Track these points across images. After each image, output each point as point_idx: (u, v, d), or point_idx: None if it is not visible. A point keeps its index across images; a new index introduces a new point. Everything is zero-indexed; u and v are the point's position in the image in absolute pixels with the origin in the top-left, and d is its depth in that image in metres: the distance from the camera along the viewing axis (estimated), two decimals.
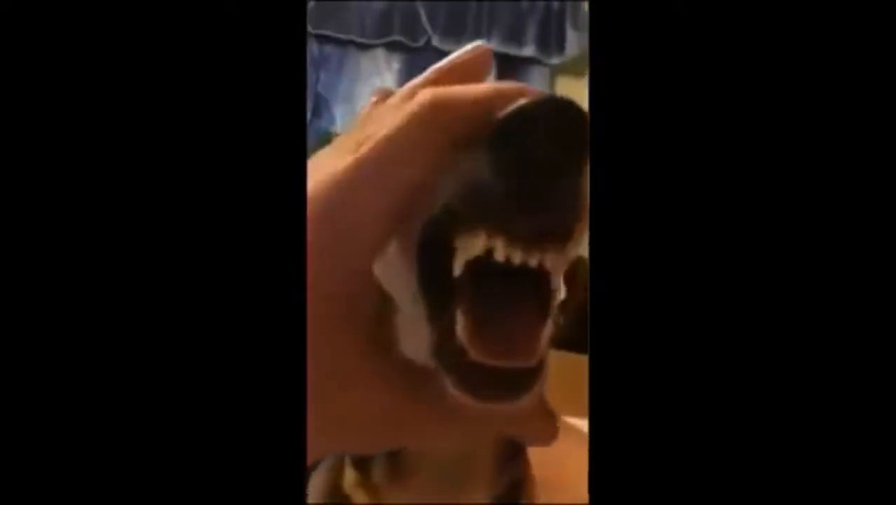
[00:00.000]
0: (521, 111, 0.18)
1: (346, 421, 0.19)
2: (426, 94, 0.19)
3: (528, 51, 1.77)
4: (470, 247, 0.19)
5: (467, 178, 0.19)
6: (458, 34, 1.75)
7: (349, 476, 0.30)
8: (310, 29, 1.78)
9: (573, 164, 0.18)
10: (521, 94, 0.19)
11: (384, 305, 0.21)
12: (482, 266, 0.19)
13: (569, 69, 1.77)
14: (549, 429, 0.21)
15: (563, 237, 0.20)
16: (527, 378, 0.19)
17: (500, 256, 0.19)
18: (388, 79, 1.73)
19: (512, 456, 0.30)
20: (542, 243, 0.19)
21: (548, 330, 0.20)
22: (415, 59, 1.75)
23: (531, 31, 1.77)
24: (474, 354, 0.19)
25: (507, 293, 0.20)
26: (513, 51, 1.77)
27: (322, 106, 1.75)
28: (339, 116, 1.75)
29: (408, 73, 1.72)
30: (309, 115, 1.71)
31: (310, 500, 0.30)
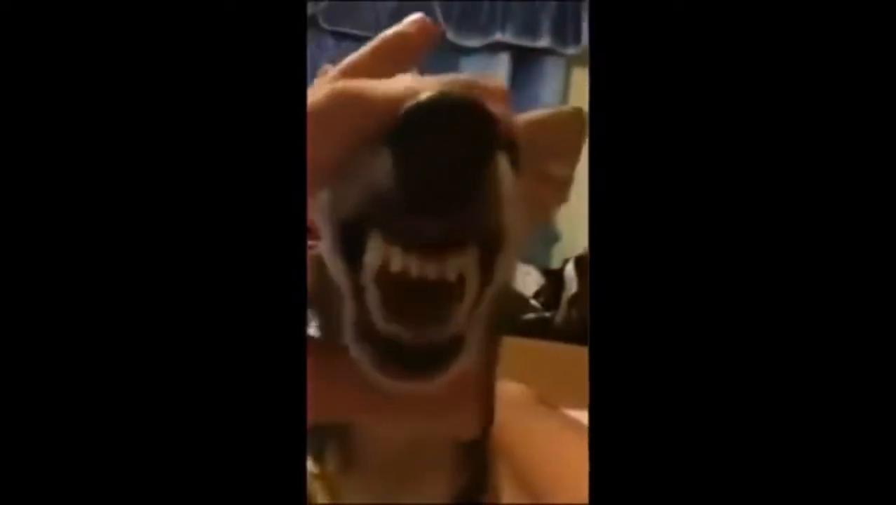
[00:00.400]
0: (416, 107, 0.17)
1: None
2: (337, 86, 0.19)
3: (544, 42, 1.76)
4: (371, 257, 0.19)
5: (367, 179, 0.18)
6: (472, 28, 1.74)
7: (308, 469, 0.29)
8: (327, 26, 1.79)
9: (475, 165, 0.17)
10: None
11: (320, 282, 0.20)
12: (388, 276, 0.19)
13: (585, 60, 1.75)
14: (468, 421, 0.21)
15: (463, 244, 0.19)
16: (440, 356, 0.19)
17: (396, 266, 0.18)
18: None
19: (474, 444, 0.28)
20: (442, 252, 0.18)
21: (464, 310, 0.19)
22: (429, 53, 1.74)
23: (546, 21, 1.75)
24: (384, 327, 0.18)
25: (418, 297, 0.19)
26: (527, 42, 1.76)
27: None
28: None
29: (422, 67, 1.72)
30: None
31: None
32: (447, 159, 0.17)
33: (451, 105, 0.17)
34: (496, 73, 1.74)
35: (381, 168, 0.17)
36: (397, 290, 0.19)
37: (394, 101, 0.18)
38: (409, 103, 0.17)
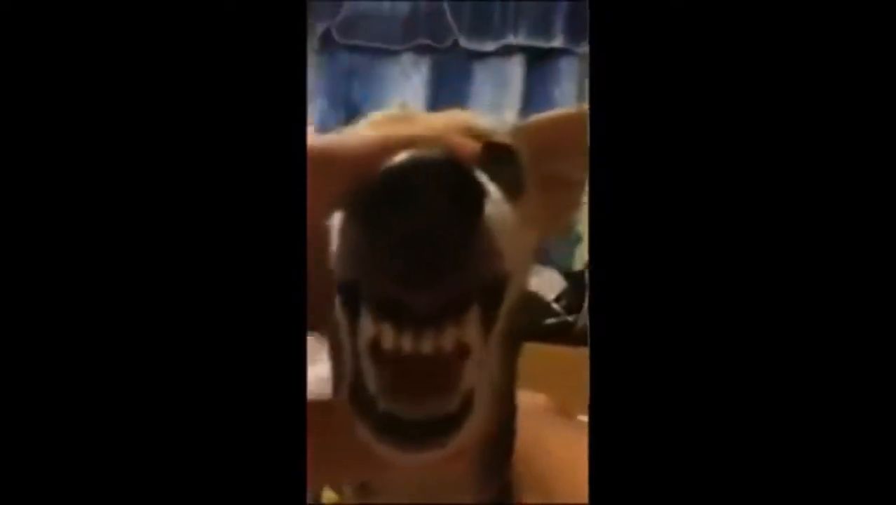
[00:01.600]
0: (387, 176, 0.15)
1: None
2: (314, 142, 0.17)
3: (557, 42, 1.75)
4: (364, 330, 0.17)
5: (351, 249, 0.17)
6: (484, 31, 1.74)
7: (327, 496, 0.29)
8: (340, 40, 1.81)
9: (462, 227, 0.16)
10: (408, 145, 0.17)
11: None
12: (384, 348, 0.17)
13: None
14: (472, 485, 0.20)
15: (464, 309, 0.17)
16: (448, 425, 0.17)
17: (387, 343, 0.17)
18: (416, 81, 1.74)
19: (500, 461, 0.28)
20: (438, 322, 0.17)
21: (472, 366, 0.18)
22: (442, 61, 1.76)
23: (559, 21, 1.75)
24: (384, 404, 0.17)
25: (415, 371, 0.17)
26: (541, 43, 1.75)
27: (355, 114, 1.79)
28: None
29: (436, 75, 1.73)
30: (343, 122, 1.74)
31: None
32: (431, 226, 0.16)
33: (424, 169, 0.15)
34: (510, 75, 1.74)
35: (360, 238, 0.16)
36: (392, 365, 0.17)
37: (365, 160, 0.17)
38: (379, 172, 0.16)
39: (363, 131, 0.18)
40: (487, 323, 0.18)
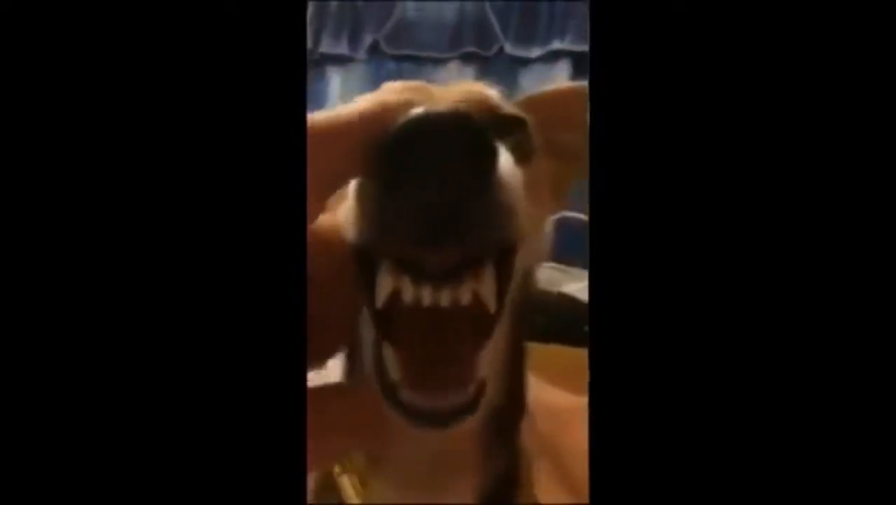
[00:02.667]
0: (399, 132, 0.16)
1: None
2: (311, 119, 0.17)
3: None
4: (382, 286, 0.18)
5: (367, 208, 0.17)
6: (530, 38, 1.74)
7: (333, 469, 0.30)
8: (388, 50, 1.85)
9: (475, 183, 0.16)
10: (407, 106, 0.16)
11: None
12: (402, 304, 0.18)
13: None
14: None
15: (479, 265, 0.18)
16: (461, 412, 0.18)
17: (407, 297, 0.17)
18: None
19: (500, 442, 0.27)
20: (455, 277, 0.17)
21: (486, 356, 0.18)
22: (488, 68, 1.77)
23: None
24: (404, 394, 0.18)
25: (435, 326, 0.18)
26: (587, 48, 1.73)
27: None
28: None
29: (482, 81, 1.74)
30: None
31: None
32: (444, 182, 0.16)
33: (436, 124, 0.16)
34: (556, 80, 1.73)
35: (377, 197, 0.16)
36: (411, 336, 0.18)
37: (364, 125, 0.17)
38: (389, 130, 0.16)
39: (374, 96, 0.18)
40: (501, 285, 0.19)
